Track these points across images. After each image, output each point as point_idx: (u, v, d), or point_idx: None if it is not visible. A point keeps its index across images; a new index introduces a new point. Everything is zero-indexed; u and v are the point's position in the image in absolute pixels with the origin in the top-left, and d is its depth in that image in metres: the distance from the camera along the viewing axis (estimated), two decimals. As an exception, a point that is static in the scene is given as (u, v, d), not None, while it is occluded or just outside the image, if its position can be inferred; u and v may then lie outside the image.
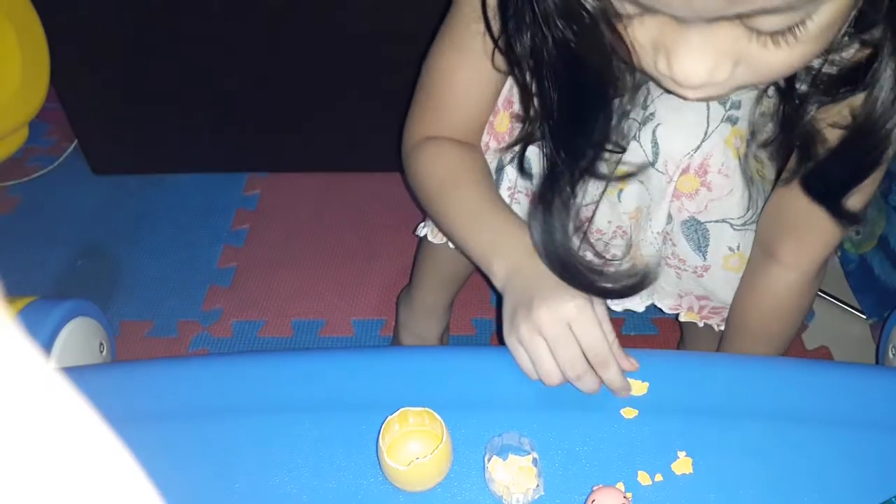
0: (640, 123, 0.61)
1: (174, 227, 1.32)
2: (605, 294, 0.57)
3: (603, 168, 0.57)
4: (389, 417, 0.49)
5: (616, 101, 0.54)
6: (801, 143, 0.55)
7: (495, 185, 0.68)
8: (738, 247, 0.69)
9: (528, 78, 0.54)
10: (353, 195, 1.36)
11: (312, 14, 1.14)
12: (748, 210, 0.66)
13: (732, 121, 0.61)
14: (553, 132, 0.55)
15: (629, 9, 0.41)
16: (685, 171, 0.63)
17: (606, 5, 0.42)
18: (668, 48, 0.42)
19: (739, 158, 0.62)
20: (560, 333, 0.53)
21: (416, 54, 0.66)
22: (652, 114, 0.60)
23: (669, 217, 0.68)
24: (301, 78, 1.23)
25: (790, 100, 0.53)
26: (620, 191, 0.66)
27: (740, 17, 0.39)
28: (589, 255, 0.74)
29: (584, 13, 0.43)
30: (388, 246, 1.26)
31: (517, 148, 0.63)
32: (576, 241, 0.57)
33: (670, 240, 0.70)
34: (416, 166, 0.66)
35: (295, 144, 1.34)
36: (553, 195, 0.55)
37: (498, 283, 0.59)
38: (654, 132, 0.61)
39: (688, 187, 0.65)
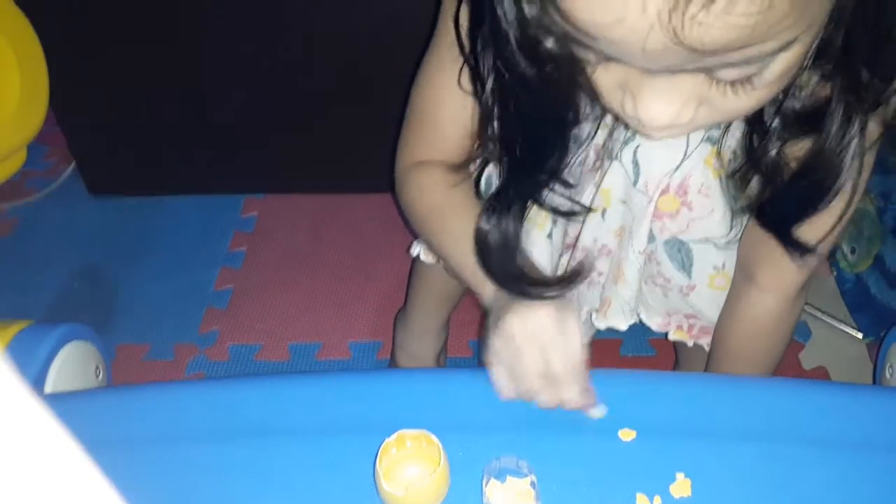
0: (622, 143, 0.62)
1: (171, 250, 1.32)
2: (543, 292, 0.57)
3: (553, 200, 0.59)
4: (386, 441, 0.49)
5: (574, 131, 0.54)
6: (766, 174, 0.56)
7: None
8: (724, 266, 0.70)
9: (489, 100, 0.55)
10: (350, 216, 1.36)
11: (310, 37, 1.15)
12: (731, 229, 0.67)
13: (712, 141, 0.62)
14: (510, 158, 0.56)
15: (593, 58, 0.42)
16: (665, 191, 0.64)
17: (568, 51, 0.43)
18: (633, 91, 0.43)
19: (720, 178, 0.63)
20: (524, 344, 0.52)
21: (413, 77, 0.66)
22: (633, 134, 0.61)
23: (652, 236, 0.68)
24: (297, 100, 1.24)
25: (758, 132, 0.54)
26: (604, 210, 0.67)
27: (702, 70, 0.40)
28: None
29: (545, 57, 0.43)
30: (385, 267, 1.26)
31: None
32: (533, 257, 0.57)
33: (655, 259, 0.71)
34: (405, 193, 0.67)
35: (291, 166, 1.35)
36: (503, 212, 0.56)
37: (485, 301, 0.59)
38: (634, 152, 0.62)
39: (668, 207, 0.65)
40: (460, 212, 0.63)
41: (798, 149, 0.53)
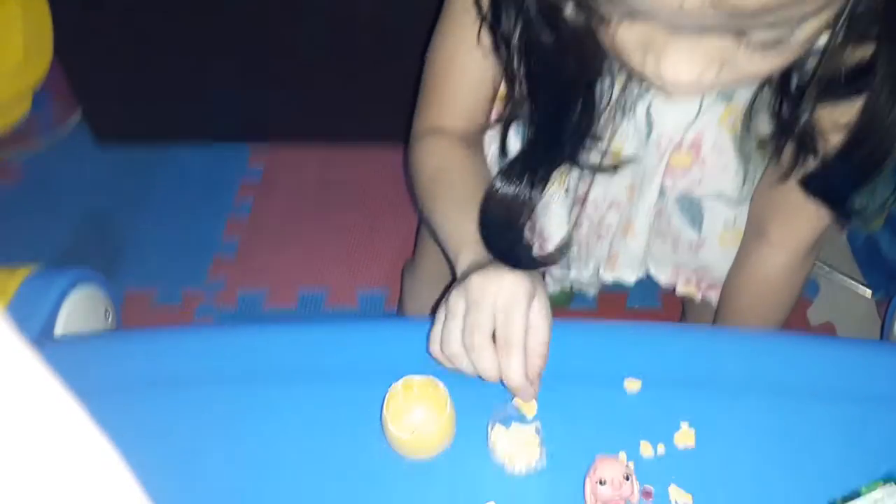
0: (634, 99, 0.61)
1: (178, 199, 1.32)
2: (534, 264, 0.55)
3: (585, 157, 0.57)
4: (393, 386, 0.49)
5: (598, 91, 0.53)
6: (799, 141, 0.55)
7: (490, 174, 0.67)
8: (735, 222, 0.69)
9: (513, 61, 0.54)
10: (357, 167, 1.35)
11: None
12: (744, 186, 0.66)
13: (727, 97, 0.60)
14: (537, 119, 0.54)
15: (616, 15, 0.42)
16: (678, 147, 0.63)
17: (589, 13, 0.42)
18: (656, 50, 0.42)
19: (734, 135, 0.62)
20: (482, 300, 0.49)
21: (421, 26, 0.65)
22: (647, 89, 0.60)
23: (663, 192, 0.68)
24: (306, 48, 1.22)
25: (787, 98, 0.53)
26: (615, 165, 0.66)
27: (733, 32, 0.39)
28: (584, 226, 0.74)
29: (564, 22, 0.43)
30: (393, 218, 1.26)
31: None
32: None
33: (665, 214, 0.70)
34: (414, 158, 0.66)
35: (299, 115, 1.34)
36: (523, 176, 0.54)
37: (458, 270, 0.56)
38: (648, 107, 0.61)
39: (681, 163, 0.64)
40: (465, 179, 0.62)
41: (838, 114, 0.52)
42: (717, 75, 0.42)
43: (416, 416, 0.50)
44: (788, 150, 0.57)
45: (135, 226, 1.28)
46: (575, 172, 0.68)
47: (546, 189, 0.55)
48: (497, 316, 0.49)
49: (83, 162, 1.38)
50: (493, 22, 0.53)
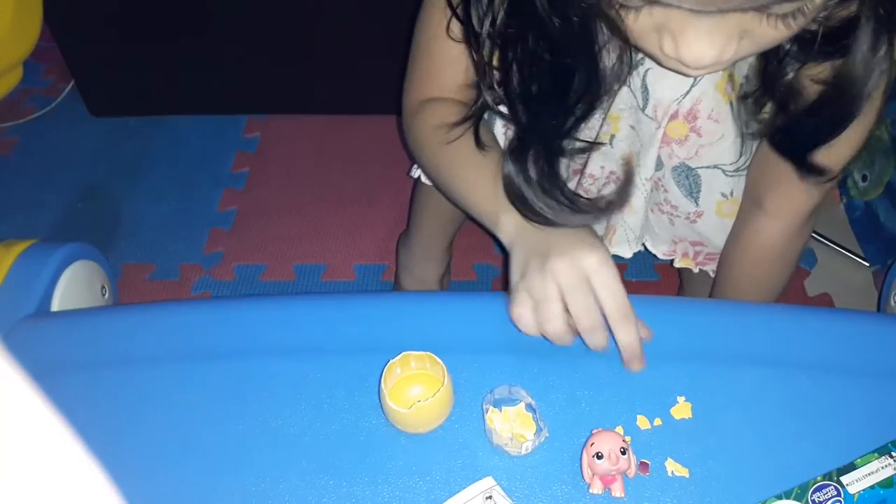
0: (629, 69, 0.60)
1: (174, 170, 1.31)
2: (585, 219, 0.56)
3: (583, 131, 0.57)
4: (391, 361, 0.49)
5: (602, 68, 0.52)
6: (781, 98, 0.54)
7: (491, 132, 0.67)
8: (732, 193, 0.69)
9: (485, 51, 0.53)
10: (354, 138, 1.34)
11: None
12: (741, 156, 0.66)
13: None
14: (528, 112, 0.54)
15: (637, 1, 0.41)
16: (674, 116, 0.62)
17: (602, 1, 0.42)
18: (674, 32, 0.42)
19: (731, 103, 0.61)
20: (578, 283, 0.50)
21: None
22: (641, 59, 0.59)
23: (660, 163, 0.67)
24: (301, 18, 1.20)
25: (773, 56, 0.53)
26: (613, 136, 0.66)
27: (757, 8, 0.39)
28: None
29: (577, 9, 0.42)
30: (390, 189, 1.25)
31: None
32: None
33: (662, 186, 0.70)
34: (414, 130, 0.65)
35: (294, 86, 1.32)
36: (529, 158, 0.53)
37: (505, 238, 0.56)
38: (643, 77, 0.60)
39: (677, 133, 0.64)
40: (470, 141, 0.61)
41: (817, 72, 0.52)
42: (737, 50, 0.42)
43: (414, 390, 0.50)
44: (769, 108, 0.57)
45: (130, 198, 1.27)
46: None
47: (558, 161, 0.55)
48: (598, 292, 0.50)
49: (77, 133, 1.37)
50: (464, 15, 0.53)
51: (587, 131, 0.61)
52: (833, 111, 0.51)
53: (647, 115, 0.63)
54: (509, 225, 0.56)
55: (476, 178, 0.59)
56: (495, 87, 0.55)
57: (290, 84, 1.32)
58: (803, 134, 0.55)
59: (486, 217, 0.59)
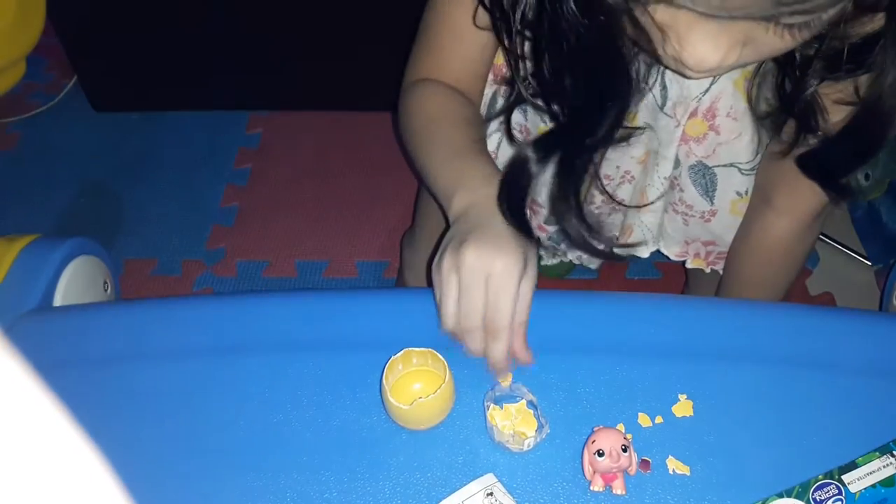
0: (648, 66, 0.60)
1: (176, 166, 1.31)
2: (597, 253, 0.55)
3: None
4: (393, 357, 0.49)
5: (634, 68, 0.50)
6: (801, 115, 0.54)
7: (485, 129, 0.66)
8: (747, 191, 0.69)
9: (518, 46, 0.52)
10: (356, 135, 1.34)
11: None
12: (757, 154, 0.65)
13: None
14: (562, 106, 0.53)
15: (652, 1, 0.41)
16: (693, 114, 0.62)
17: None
18: (679, 33, 0.42)
19: (750, 101, 0.61)
20: (474, 281, 0.49)
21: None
22: None
23: (677, 161, 0.67)
24: (304, 15, 1.20)
25: (791, 73, 0.52)
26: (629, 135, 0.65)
27: (769, 17, 0.39)
28: (597, 200, 0.73)
29: (602, 5, 0.42)
30: (391, 187, 1.25)
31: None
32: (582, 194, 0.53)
33: (678, 185, 0.70)
34: (406, 103, 0.64)
35: (297, 82, 1.32)
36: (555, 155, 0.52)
37: (451, 216, 0.55)
38: (662, 75, 0.60)
39: (696, 131, 0.64)
40: (456, 124, 0.60)
41: (838, 91, 0.51)
42: (739, 56, 0.42)
43: (416, 387, 0.50)
44: (790, 126, 0.56)
45: (132, 193, 1.28)
46: None
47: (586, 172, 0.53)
48: (488, 296, 0.49)
49: (79, 128, 1.37)
50: (491, 4, 0.52)
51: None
52: (863, 137, 0.50)
53: (665, 114, 0.62)
54: (460, 205, 0.54)
55: (450, 158, 0.58)
56: (529, 78, 0.55)
57: (293, 80, 1.31)
58: (833, 160, 0.54)
59: (444, 192, 0.57)
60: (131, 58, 1.29)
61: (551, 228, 0.76)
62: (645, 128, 0.63)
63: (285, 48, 1.26)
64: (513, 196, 0.52)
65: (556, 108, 0.54)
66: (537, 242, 0.53)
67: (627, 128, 0.55)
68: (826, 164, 0.55)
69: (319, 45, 1.24)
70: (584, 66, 0.49)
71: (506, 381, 0.51)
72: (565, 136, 0.53)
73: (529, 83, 0.55)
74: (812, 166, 0.56)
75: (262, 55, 1.27)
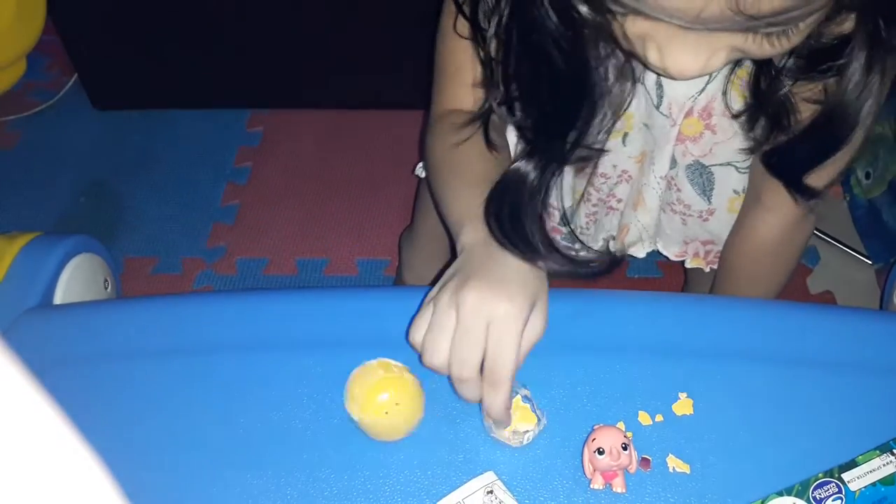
0: (643, 67, 0.60)
1: (177, 164, 1.31)
2: (574, 274, 0.52)
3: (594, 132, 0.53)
4: (356, 371, 0.48)
5: (602, 72, 0.49)
6: (773, 114, 0.54)
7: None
8: (744, 189, 0.69)
9: (491, 49, 0.52)
10: (356, 133, 1.34)
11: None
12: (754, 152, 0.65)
13: (737, 62, 0.59)
14: (530, 112, 0.52)
15: (621, 10, 0.41)
16: (689, 114, 0.62)
17: (600, 9, 0.41)
18: (660, 44, 0.42)
19: (745, 99, 0.61)
20: (473, 325, 0.45)
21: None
22: None
23: (674, 161, 0.67)
24: (305, 12, 1.20)
25: (766, 72, 0.53)
26: (626, 134, 0.65)
27: (746, 30, 0.39)
28: (593, 199, 0.73)
29: (575, 15, 0.42)
30: (392, 185, 1.25)
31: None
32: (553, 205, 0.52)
33: (675, 185, 0.70)
34: (426, 142, 0.65)
35: (298, 80, 1.32)
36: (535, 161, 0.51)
37: (459, 248, 0.53)
38: (658, 74, 0.60)
39: (692, 130, 0.64)
40: (473, 160, 0.59)
41: (808, 90, 0.52)
42: (724, 59, 0.42)
43: (382, 397, 0.48)
44: (761, 124, 0.56)
45: (133, 191, 1.28)
46: None
47: (558, 173, 0.52)
48: (488, 343, 0.45)
49: (80, 126, 1.37)
50: (470, 12, 0.52)
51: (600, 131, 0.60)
52: (825, 136, 0.51)
53: (661, 113, 0.62)
54: (468, 236, 0.52)
55: (459, 189, 0.57)
56: (499, 85, 0.55)
57: (294, 78, 1.32)
58: (795, 157, 0.55)
59: (454, 224, 0.56)
60: (132, 56, 1.29)
61: (565, 230, 0.76)
62: (606, 151, 0.60)
63: (286, 46, 1.26)
64: (502, 213, 0.50)
65: (520, 117, 0.53)
66: (551, 248, 0.50)
67: (590, 148, 0.51)
68: (788, 162, 0.56)
69: (320, 42, 1.24)
70: (551, 75, 0.48)
71: (505, 433, 0.48)
72: (535, 145, 0.52)
73: (498, 90, 0.55)
74: (775, 164, 0.57)
75: (263, 53, 1.27)
